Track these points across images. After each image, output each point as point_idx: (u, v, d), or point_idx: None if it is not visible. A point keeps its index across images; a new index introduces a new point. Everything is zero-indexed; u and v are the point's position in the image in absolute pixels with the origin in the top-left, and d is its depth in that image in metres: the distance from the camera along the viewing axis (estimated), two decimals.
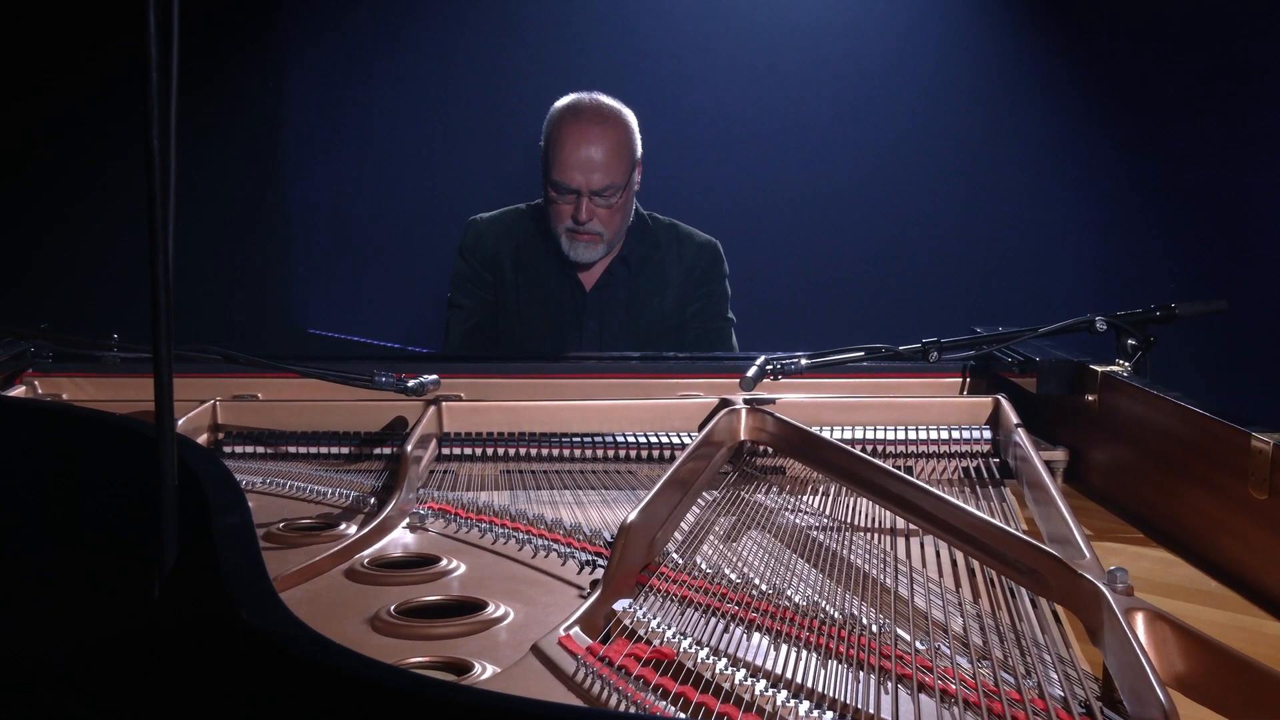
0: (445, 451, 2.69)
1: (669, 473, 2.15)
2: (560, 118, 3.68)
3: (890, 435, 2.63)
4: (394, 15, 5.77)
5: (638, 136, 3.73)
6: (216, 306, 5.58)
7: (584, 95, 3.70)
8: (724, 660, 1.54)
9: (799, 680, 1.55)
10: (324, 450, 2.70)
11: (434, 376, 2.73)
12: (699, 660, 1.54)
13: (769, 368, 2.71)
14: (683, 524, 2.18)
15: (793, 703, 1.44)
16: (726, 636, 1.69)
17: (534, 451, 2.68)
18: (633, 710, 1.44)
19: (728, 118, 5.48)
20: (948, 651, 1.65)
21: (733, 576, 1.92)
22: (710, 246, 3.89)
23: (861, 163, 5.38)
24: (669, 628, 1.64)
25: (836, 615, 1.77)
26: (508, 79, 5.52)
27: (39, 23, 5.48)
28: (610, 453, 2.68)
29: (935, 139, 5.34)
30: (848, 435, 2.62)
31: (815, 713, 1.42)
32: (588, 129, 3.62)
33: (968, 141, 5.31)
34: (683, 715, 1.44)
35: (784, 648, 1.65)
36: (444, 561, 2.04)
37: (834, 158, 5.39)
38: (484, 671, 1.60)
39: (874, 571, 1.98)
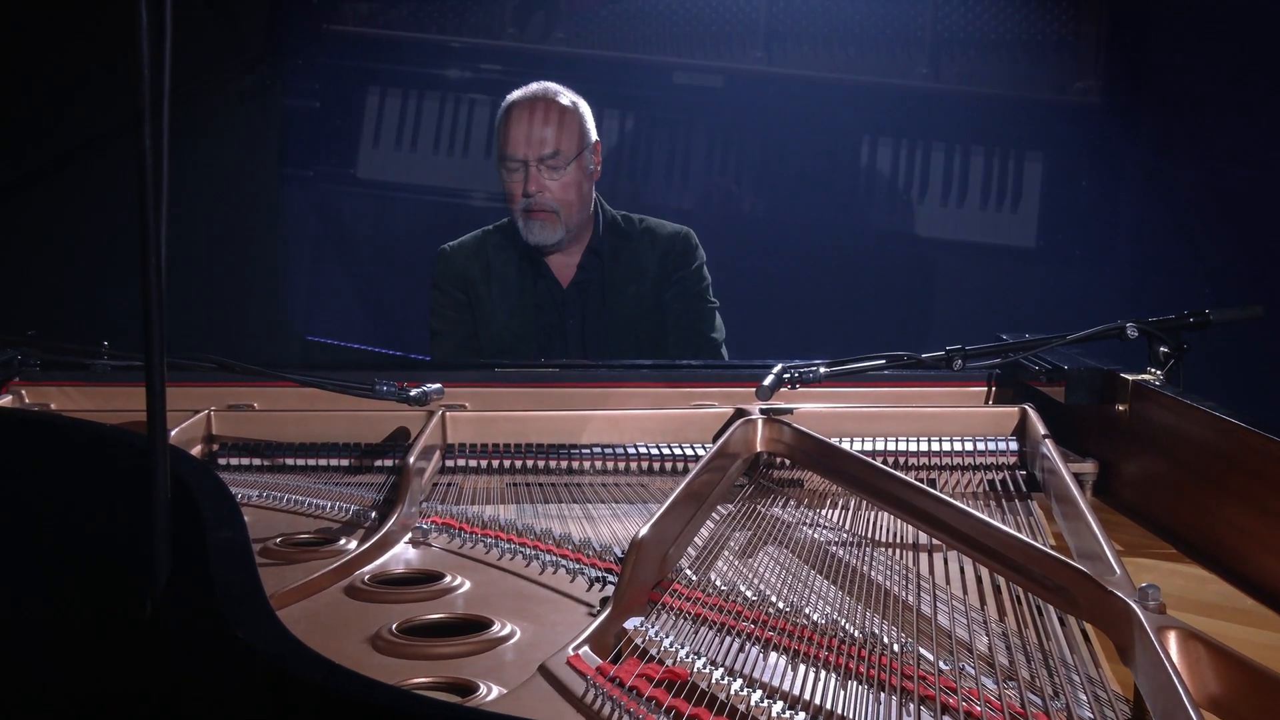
0: (449, 463, 2.69)
1: (682, 486, 2.15)
2: (508, 102, 3.86)
3: (912, 446, 2.63)
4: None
5: (589, 123, 3.86)
6: (211, 312, 5.59)
7: (535, 84, 3.84)
8: (739, 681, 1.54)
9: (817, 702, 1.55)
10: (323, 462, 2.71)
11: (438, 385, 2.74)
12: (713, 681, 1.53)
13: (786, 376, 2.71)
14: (696, 539, 2.18)
15: None
16: (742, 656, 1.69)
17: (541, 463, 2.68)
18: None
19: (740, 116, 5.48)
20: (972, 672, 1.65)
21: (748, 594, 1.92)
22: (682, 234, 3.96)
23: (883, 160, 5.38)
24: (682, 647, 1.64)
25: (856, 634, 1.77)
26: (509, 81, 5.52)
27: (28, 18, 5.50)
28: (621, 465, 2.68)
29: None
30: (868, 446, 2.61)
31: None
32: (533, 104, 3.80)
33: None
34: None
35: (802, 668, 1.65)
36: (448, 578, 2.04)
37: (853, 154, 5.39)
38: (489, 693, 1.60)
39: (895, 588, 1.98)
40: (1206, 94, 4.87)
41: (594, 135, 3.85)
